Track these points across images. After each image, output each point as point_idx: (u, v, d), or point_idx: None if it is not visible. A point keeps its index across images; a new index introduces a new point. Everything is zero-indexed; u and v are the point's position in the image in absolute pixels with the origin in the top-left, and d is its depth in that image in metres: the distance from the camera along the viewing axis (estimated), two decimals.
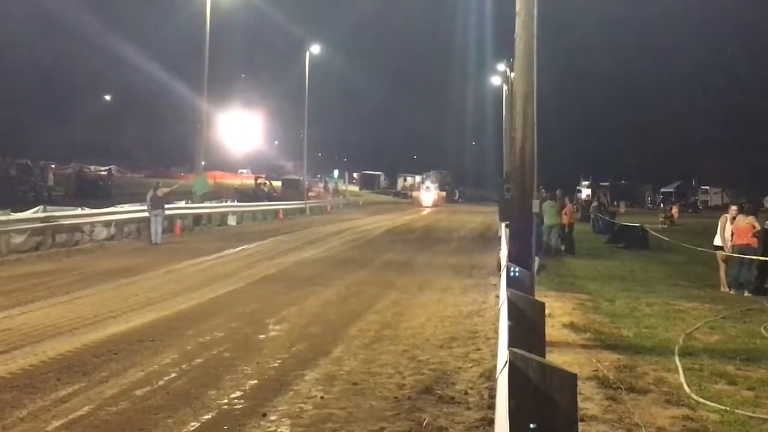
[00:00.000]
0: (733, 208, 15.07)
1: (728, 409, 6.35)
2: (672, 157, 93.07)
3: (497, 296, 11.00)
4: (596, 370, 7.57)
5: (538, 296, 7.93)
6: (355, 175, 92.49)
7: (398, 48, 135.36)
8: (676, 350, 8.52)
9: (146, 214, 21.60)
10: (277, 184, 56.07)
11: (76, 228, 19.71)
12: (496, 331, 7.97)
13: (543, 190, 22.92)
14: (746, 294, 13.76)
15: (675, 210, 43.90)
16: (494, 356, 7.46)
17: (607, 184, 73.56)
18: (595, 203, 38.66)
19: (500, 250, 15.20)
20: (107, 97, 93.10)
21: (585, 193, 67.63)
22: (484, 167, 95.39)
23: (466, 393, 6.76)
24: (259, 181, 51.11)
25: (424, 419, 5.99)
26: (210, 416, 5.99)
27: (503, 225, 17.74)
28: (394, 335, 9.29)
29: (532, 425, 3.21)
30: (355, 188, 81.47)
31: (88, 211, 20.94)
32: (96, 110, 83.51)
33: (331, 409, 6.21)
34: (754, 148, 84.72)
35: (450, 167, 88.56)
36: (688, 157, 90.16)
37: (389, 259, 18.51)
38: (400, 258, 18.93)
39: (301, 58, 47.85)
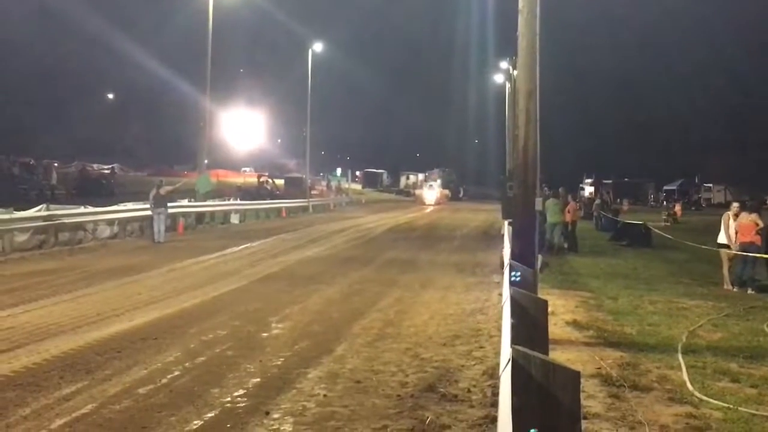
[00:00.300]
0: (735, 205, 15.05)
1: (731, 406, 6.34)
2: (675, 155, 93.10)
3: (500, 294, 11.01)
4: (599, 368, 7.57)
5: (541, 294, 7.93)
6: (357, 173, 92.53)
7: (401, 46, 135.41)
8: (679, 348, 8.51)
9: (149, 212, 21.63)
10: (280, 182, 56.18)
11: (79, 226, 19.72)
12: (499, 329, 7.97)
13: (546, 188, 22.93)
14: (749, 291, 13.74)
15: (678, 208, 43.88)
16: (497, 354, 7.45)
17: (610, 181, 73.60)
18: (597, 201, 38.68)
19: (503, 248, 15.20)
20: (110, 96, 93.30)
21: (588, 190, 67.67)
22: (486, 165, 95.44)
23: (469, 391, 6.76)
24: (261, 180, 51.16)
25: (427, 417, 5.99)
26: (213, 414, 6.00)
27: (506, 223, 17.77)
28: (397, 333, 9.29)
29: (532, 431, 3.20)
30: (358, 186, 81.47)
31: (91, 209, 20.98)
32: (99, 109, 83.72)
33: (334, 407, 6.22)
34: (756, 145, 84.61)
35: (453, 165, 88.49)
36: (691, 155, 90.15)
37: (392, 257, 18.51)
38: (402, 256, 18.93)
39: (303, 57, 47.90)
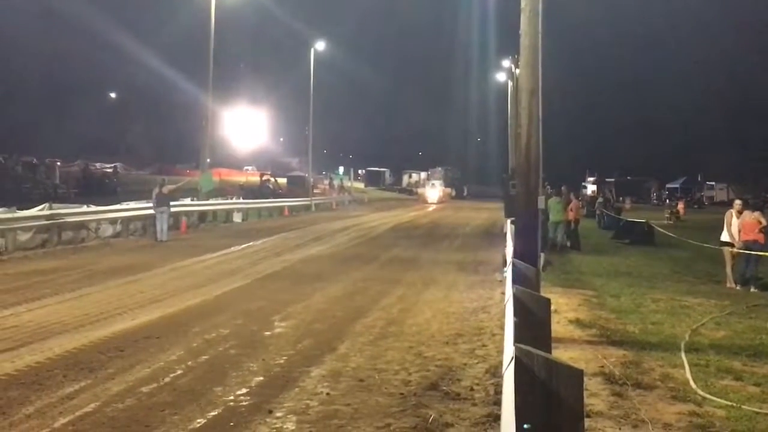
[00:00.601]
0: (738, 202, 15.05)
1: (735, 404, 6.34)
2: (677, 153, 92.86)
3: (503, 292, 10.99)
4: (602, 366, 7.57)
5: (544, 292, 7.91)
6: (360, 171, 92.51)
7: (403, 44, 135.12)
8: (683, 346, 8.50)
9: (152, 211, 21.65)
10: (283, 181, 56.13)
11: (81, 225, 19.76)
12: (502, 328, 7.98)
13: (548, 187, 22.91)
14: (752, 290, 13.73)
15: (681, 206, 43.79)
16: (500, 352, 7.46)
17: (613, 180, 73.49)
18: (600, 199, 38.63)
19: (505, 246, 15.19)
20: (112, 95, 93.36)
21: (590, 189, 67.62)
22: (488, 163, 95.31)
23: (471, 389, 6.76)
24: (264, 178, 51.15)
25: (430, 415, 5.99)
26: (216, 413, 6.01)
27: (508, 221, 17.76)
28: (399, 332, 9.29)
29: (526, 426, 3.20)
30: (361, 185, 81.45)
31: (93, 208, 21.00)
32: (101, 108, 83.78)
33: (337, 406, 6.22)
34: (759, 143, 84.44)
35: (455, 163, 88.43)
36: (694, 153, 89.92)
37: (394, 256, 18.51)
38: (405, 254, 18.94)
39: (305, 55, 47.91)
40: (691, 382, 7.00)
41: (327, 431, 5.66)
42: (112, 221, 21.37)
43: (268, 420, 5.86)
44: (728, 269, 14.50)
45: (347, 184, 70.21)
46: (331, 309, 10.80)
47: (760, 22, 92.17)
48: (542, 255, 12.31)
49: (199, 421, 5.80)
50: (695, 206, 58.87)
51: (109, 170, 55.91)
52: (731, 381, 7.17)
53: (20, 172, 40.86)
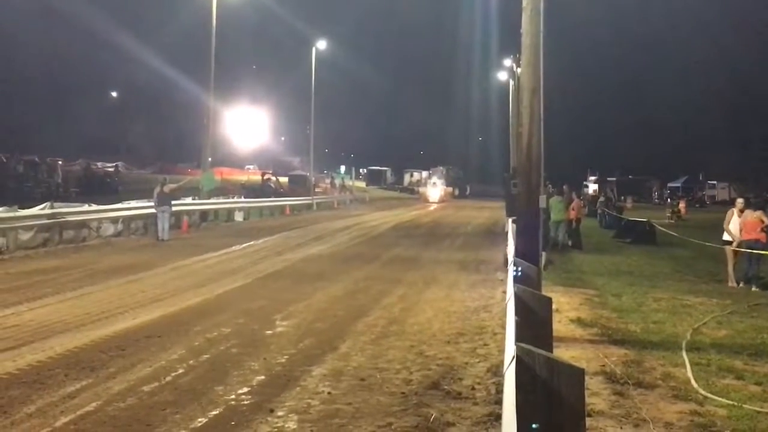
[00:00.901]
0: (740, 200, 15.07)
1: (736, 404, 6.33)
2: (679, 152, 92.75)
3: (504, 292, 11.00)
4: (603, 365, 7.57)
5: (545, 291, 7.91)
6: (361, 170, 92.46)
7: (404, 43, 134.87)
8: (684, 345, 8.50)
9: (153, 210, 21.66)
10: (284, 180, 56.09)
11: (83, 224, 19.78)
12: (503, 327, 7.98)
13: (549, 186, 22.90)
14: (754, 289, 13.72)
15: (682, 205, 43.74)
16: (501, 351, 7.46)
17: (614, 179, 73.41)
18: (602, 198, 38.60)
19: (507, 245, 15.18)
20: (114, 94, 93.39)
21: (592, 188, 67.56)
22: (490, 163, 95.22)
23: (473, 388, 6.76)
24: (265, 177, 51.14)
25: (432, 415, 5.99)
26: (217, 412, 6.01)
27: (510, 220, 17.76)
28: (401, 331, 9.29)
29: (534, 425, 3.20)
30: (362, 184, 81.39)
31: (95, 207, 21.00)
32: (102, 107, 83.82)
33: (339, 405, 6.22)
34: (760, 142, 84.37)
35: (456, 162, 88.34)
36: (695, 152, 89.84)
37: (396, 255, 18.51)
38: (406, 254, 18.94)
39: (307, 54, 47.89)
40: (693, 382, 7.00)
41: (328, 430, 5.66)
42: (114, 220, 21.37)
43: (269, 419, 5.86)
44: (730, 268, 14.49)
45: (349, 183, 70.14)
46: (333, 308, 10.80)
47: (760, 21, 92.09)
48: (543, 254, 12.32)
49: (200, 420, 5.80)
50: (697, 205, 58.79)
51: (110, 169, 55.92)
52: (732, 380, 7.17)
53: (22, 171, 40.84)
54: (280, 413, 6.00)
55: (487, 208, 47.22)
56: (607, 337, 9.00)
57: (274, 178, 51.61)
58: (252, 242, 20.72)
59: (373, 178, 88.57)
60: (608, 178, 74.18)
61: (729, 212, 14.82)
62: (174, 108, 78.35)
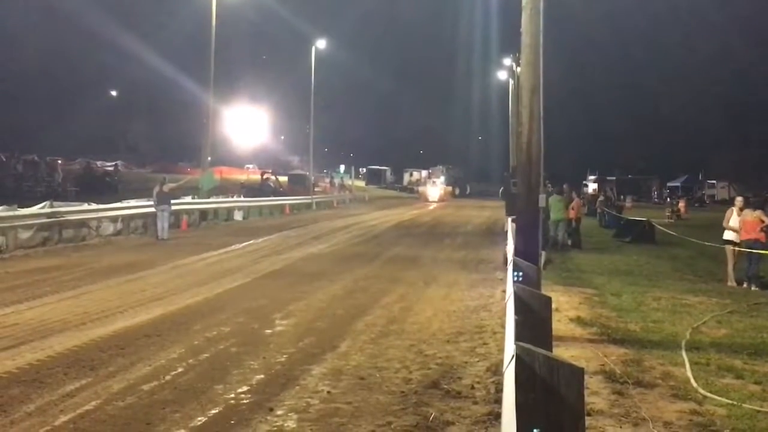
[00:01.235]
0: (740, 199, 15.07)
1: (735, 403, 6.34)
2: (678, 152, 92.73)
3: (504, 291, 11.01)
4: (603, 365, 7.57)
5: (545, 291, 7.92)
6: (361, 170, 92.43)
7: (404, 43, 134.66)
8: (683, 344, 8.50)
9: (153, 209, 21.66)
10: (284, 179, 56.09)
11: (82, 224, 19.78)
12: (503, 326, 7.98)
13: (549, 185, 22.89)
14: (753, 288, 13.73)
15: (682, 204, 43.73)
16: (501, 351, 7.46)
17: (614, 178, 73.40)
18: (601, 197, 38.60)
19: (507, 244, 15.18)
20: (113, 93, 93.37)
21: (591, 187, 67.55)
22: (490, 162, 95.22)
23: (472, 387, 6.76)
24: (265, 177, 51.14)
25: (431, 414, 5.99)
26: (217, 410, 6.01)
27: (510, 219, 17.76)
28: (400, 330, 9.29)
29: (535, 430, 3.21)
30: (362, 183, 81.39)
31: (94, 206, 20.99)
32: (102, 106, 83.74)
33: (338, 404, 6.22)
34: (760, 142, 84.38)
35: (456, 162, 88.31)
36: (695, 152, 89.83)
37: (396, 254, 18.51)
38: (406, 253, 18.93)
39: (306, 54, 47.90)
40: (692, 381, 7.00)
41: (328, 429, 5.66)
42: (113, 219, 21.37)
43: (268, 418, 5.86)
44: (729, 268, 14.49)
45: (348, 182, 70.19)
46: (332, 307, 10.81)
47: (760, 20, 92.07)
48: (543, 253, 12.32)
49: (199, 418, 5.80)
50: (696, 205, 58.80)
51: (110, 168, 55.87)
52: (732, 379, 7.17)
53: (21, 170, 40.86)
54: (279, 412, 6.00)
55: (487, 208, 47.22)
56: (606, 337, 9.00)
57: (273, 178, 51.61)
58: (251, 241, 20.72)
59: (373, 178, 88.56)
60: (608, 178, 74.17)
61: (728, 211, 14.83)
62: (174, 107, 78.37)
